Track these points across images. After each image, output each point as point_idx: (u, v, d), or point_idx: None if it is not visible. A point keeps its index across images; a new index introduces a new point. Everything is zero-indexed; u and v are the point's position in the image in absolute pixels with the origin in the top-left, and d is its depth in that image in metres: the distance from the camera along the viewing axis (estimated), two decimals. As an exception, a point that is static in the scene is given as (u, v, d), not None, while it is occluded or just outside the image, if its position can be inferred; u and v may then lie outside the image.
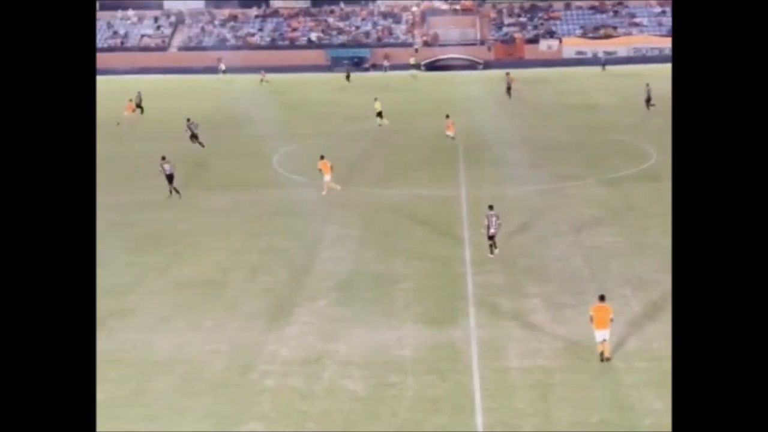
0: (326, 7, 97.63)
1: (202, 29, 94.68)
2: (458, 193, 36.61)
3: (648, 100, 56.49)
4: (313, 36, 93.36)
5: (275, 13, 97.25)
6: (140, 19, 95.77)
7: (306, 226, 32.54)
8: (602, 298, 20.92)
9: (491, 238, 28.14)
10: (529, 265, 27.30)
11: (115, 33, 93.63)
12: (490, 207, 28.63)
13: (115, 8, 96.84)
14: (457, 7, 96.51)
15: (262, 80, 73.97)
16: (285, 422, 18.31)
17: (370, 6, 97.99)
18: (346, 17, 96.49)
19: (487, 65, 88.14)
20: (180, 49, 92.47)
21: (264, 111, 56.38)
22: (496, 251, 28.21)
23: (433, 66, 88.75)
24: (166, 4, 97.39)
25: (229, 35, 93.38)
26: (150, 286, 26.70)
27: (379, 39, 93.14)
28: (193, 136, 48.57)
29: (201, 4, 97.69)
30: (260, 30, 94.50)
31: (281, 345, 22.06)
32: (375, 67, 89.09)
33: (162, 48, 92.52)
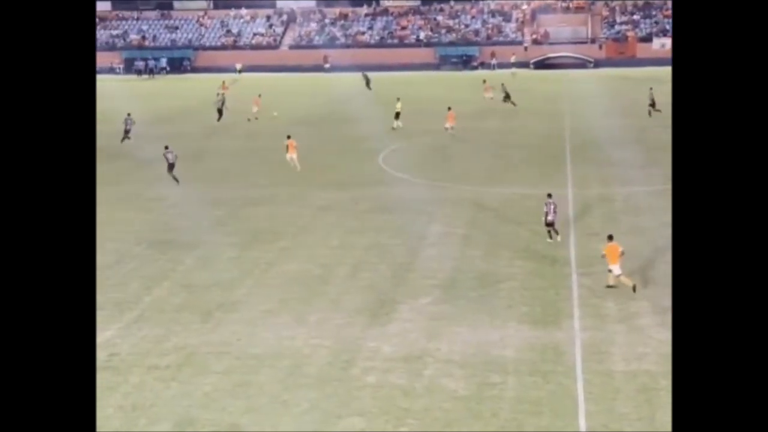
0: (436, 6, 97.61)
1: (313, 28, 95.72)
2: (565, 193, 36.14)
3: (652, 105, 55.16)
4: (422, 34, 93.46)
5: (385, 11, 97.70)
6: (253, 18, 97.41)
7: (410, 223, 32.57)
8: (611, 237, 25.07)
9: (550, 224, 29.47)
10: (637, 267, 26.76)
11: (228, 31, 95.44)
12: (549, 195, 29.85)
13: (228, 7, 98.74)
14: (569, 5, 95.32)
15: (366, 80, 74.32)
16: (385, 418, 18.35)
17: (480, 4, 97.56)
18: (455, 15, 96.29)
19: (598, 64, 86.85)
20: (291, 47, 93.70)
21: (372, 109, 56.63)
22: (558, 237, 29.49)
23: (542, 64, 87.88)
24: (279, 3, 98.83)
25: (339, 34, 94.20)
26: (256, 280, 27.11)
27: (488, 37, 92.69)
28: (126, 131, 49.51)
29: (312, 3, 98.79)
30: (370, 28, 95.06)
31: (383, 341, 22.13)
32: (483, 65, 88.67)
33: (273, 46, 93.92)
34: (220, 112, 57.65)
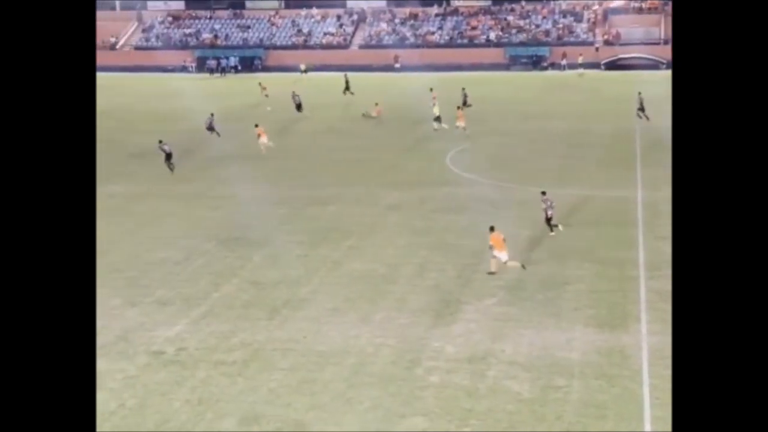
0: (507, 6, 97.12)
1: (383, 27, 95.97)
2: (634, 195, 35.73)
3: (640, 109, 54.36)
4: (492, 34, 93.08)
5: (455, 11, 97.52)
6: (323, 18, 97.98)
7: (477, 224, 32.44)
8: (492, 228, 27.21)
9: (549, 220, 30.73)
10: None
11: (299, 31, 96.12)
12: (543, 193, 31.30)
13: (299, 7, 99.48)
14: (642, 5, 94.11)
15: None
16: (448, 418, 18.36)
17: (551, 4, 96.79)
18: (526, 15, 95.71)
19: (671, 65, 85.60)
20: (360, 47, 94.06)
21: (441, 109, 56.56)
22: (559, 228, 30.86)
23: (613, 65, 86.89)
24: (349, 3, 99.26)
25: (408, 33, 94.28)
26: (322, 278, 27.31)
27: (559, 37, 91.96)
28: (210, 128, 51.60)
29: (383, 3, 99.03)
30: (440, 28, 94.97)
31: (447, 342, 22.14)
32: (553, 65, 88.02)
33: (343, 46, 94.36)
34: (299, 107, 59.42)
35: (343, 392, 19.65)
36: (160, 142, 43.53)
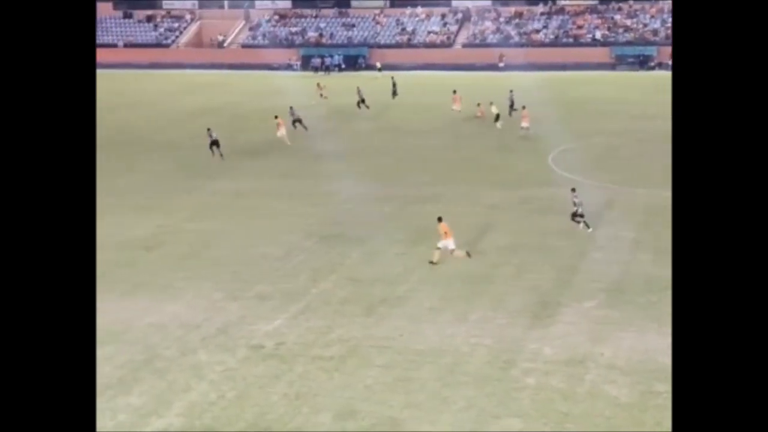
0: (614, 4, 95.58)
1: (488, 26, 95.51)
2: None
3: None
4: (598, 33, 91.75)
5: (561, 10, 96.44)
6: (428, 16, 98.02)
7: (577, 225, 32.10)
8: (440, 219, 28.66)
9: (581, 216, 31.13)
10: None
11: (403, 29, 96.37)
12: (573, 189, 32.20)
13: (404, 5, 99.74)
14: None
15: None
16: (544, 421, 18.20)
17: (660, 3, 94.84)
18: (633, 14, 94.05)
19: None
20: (464, 45, 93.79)
21: (544, 108, 56.09)
22: (585, 224, 31.12)
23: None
24: (454, 2, 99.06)
25: (513, 32, 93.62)
26: (420, 276, 27.34)
27: (667, 37, 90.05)
28: (296, 121, 52.97)
29: (488, 2, 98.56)
30: (545, 27, 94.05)
31: (544, 343, 21.93)
32: (661, 65, 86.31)
33: (447, 45, 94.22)
34: (360, 103, 59.97)
35: (438, 391, 19.65)
36: (209, 129, 46.69)
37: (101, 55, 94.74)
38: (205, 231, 32.95)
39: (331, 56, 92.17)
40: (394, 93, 66.05)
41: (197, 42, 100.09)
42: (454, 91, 59.47)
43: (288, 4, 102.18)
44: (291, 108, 54.37)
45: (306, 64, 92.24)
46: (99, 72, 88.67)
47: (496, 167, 43.04)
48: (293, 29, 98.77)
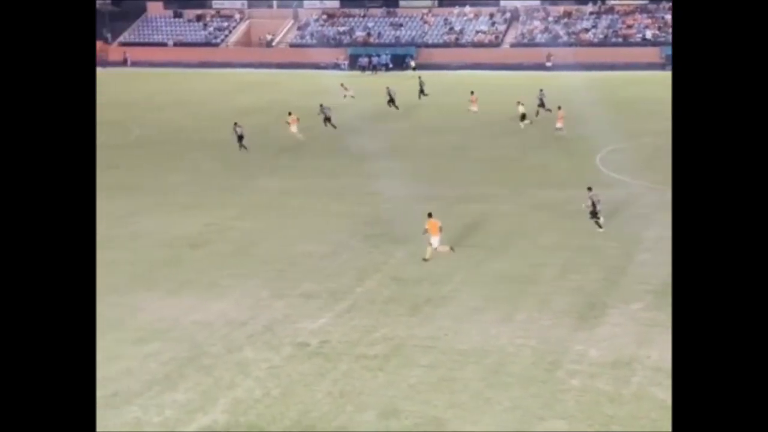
0: (664, 4, 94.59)
1: (536, 26, 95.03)
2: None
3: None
4: (648, 33, 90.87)
5: (611, 9, 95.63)
6: (476, 16, 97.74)
7: (625, 226, 31.88)
8: (430, 215, 28.92)
9: (596, 214, 31.28)
10: None
11: (451, 29, 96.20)
12: (589, 188, 31.89)
13: (453, 5, 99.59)
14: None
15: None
16: (589, 423, 18.06)
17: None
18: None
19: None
20: (512, 45, 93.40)
21: (592, 108, 55.70)
22: (600, 223, 31.28)
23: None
24: (503, 2, 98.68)
25: (561, 32, 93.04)
26: (465, 276, 27.28)
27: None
28: (327, 119, 53.34)
29: (536, 2, 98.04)
30: (594, 27, 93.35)
31: (590, 345, 21.77)
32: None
33: (495, 44, 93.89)
34: (391, 101, 60.15)
35: (482, 391, 19.59)
36: (235, 124, 48.27)
37: (152, 53, 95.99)
38: (251, 229, 33.16)
39: (378, 55, 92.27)
40: (422, 93, 65.83)
41: (246, 41, 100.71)
42: (472, 92, 59.15)
43: (336, 4, 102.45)
44: (321, 105, 54.75)
45: (353, 63, 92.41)
46: (149, 71, 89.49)
47: (541, 167, 42.79)
48: (341, 29, 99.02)
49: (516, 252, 29.40)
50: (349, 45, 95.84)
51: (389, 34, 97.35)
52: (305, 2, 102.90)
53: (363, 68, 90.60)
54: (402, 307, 24.68)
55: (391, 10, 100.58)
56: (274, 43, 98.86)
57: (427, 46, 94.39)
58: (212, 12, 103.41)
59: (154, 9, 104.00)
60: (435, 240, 28.52)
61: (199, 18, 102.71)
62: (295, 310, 24.69)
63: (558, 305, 24.47)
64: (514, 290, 25.80)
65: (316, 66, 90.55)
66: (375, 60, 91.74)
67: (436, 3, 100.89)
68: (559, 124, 50.09)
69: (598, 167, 42.29)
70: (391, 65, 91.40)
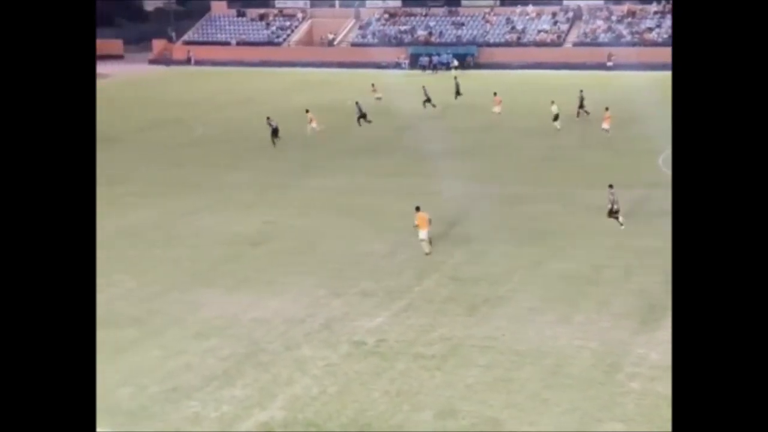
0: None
1: (599, 25, 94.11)
2: None
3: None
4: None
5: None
6: (538, 15, 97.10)
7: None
8: (418, 208, 29.67)
9: (615, 213, 31.60)
10: None
11: (513, 28, 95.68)
12: (610, 186, 31.93)
13: (515, 4, 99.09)
14: None
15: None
16: (648, 426, 17.84)
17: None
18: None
19: None
20: (575, 44, 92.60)
21: (655, 108, 54.93)
22: (620, 221, 31.55)
23: None
24: (566, 1, 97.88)
25: (625, 31, 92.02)
26: (523, 276, 27.11)
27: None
28: (362, 116, 54.06)
29: (600, 1, 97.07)
30: (658, 26, 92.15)
31: (651, 348, 21.48)
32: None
33: (557, 44, 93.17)
34: (426, 101, 60.37)
35: (540, 392, 19.46)
36: (268, 118, 49.90)
37: (215, 52, 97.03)
38: (310, 227, 33.31)
39: (439, 54, 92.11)
40: (458, 93, 65.46)
41: (308, 40, 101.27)
42: (495, 93, 58.64)
43: (398, 3, 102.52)
44: (357, 103, 55.44)
45: (414, 62, 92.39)
46: (211, 69, 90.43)
47: (605, 167, 42.29)
48: (402, 28, 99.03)
49: (575, 252, 29.13)
50: (410, 44, 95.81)
51: (450, 34, 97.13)
52: (367, 2, 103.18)
53: (424, 67, 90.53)
54: (460, 307, 24.60)
55: (453, 9, 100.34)
56: (335, 43, 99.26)
57: (488, 45, 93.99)
58: (275, 11, 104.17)
59: (218, 8, 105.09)
60: (423, 233, 29.26)
61: (261, 17, 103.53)
62: (353, 309, 24.75)
63: (618, 307, 24.20)
64: (573, 291, 25.57)
65: (377, 65, 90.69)
66: (435, 59, 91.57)
67: (498, 2, 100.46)
68: (605, 125, 49.52)
69: (660, 168, 41.71)
70: (451, 64, 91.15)
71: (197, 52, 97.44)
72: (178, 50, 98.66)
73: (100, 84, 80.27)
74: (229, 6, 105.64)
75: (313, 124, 51.50)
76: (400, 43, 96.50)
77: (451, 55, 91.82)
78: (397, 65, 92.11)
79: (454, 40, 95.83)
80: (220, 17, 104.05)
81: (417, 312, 24.37)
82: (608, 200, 31.72)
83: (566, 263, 28.13)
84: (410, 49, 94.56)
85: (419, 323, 23.53)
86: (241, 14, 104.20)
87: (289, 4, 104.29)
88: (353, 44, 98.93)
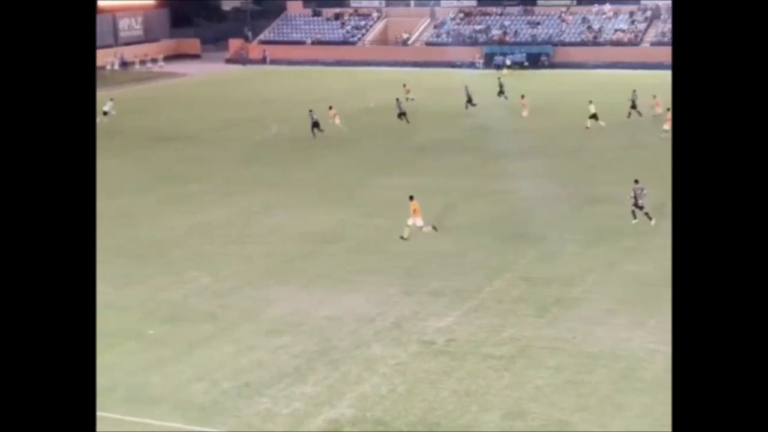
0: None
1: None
2: None
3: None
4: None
5: None
6: (615, 14, 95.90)
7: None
8: (411, 198, 31.57)
9: (641, 208, 32.01)
10: None
11: (589, 27, 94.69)
12: (636, 181, 32.30)
13: (591, 3, 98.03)
14: None
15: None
16: None
17: None
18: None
19: None
20: (652, 44, 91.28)
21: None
22: (649, 217, 31.89)
23: None
24: (643, 0, 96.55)
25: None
26: (596, 278, 26.85)
27: None
28: (402, 113, 54.88)
29: None
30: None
31: (725, 353, 21.11)
32: None
33: (634, 43, 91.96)
34: (468, 101, 60.27)
35: (611, 396, 19.27)
36: (311, 111, 52.21)
37: (290, 52, 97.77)
38: (382, 226, 33.42)
39: (513, 54, 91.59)
40: (501, 93, 64.84)
41: (383, 40, 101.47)
42: (522, 96, 57.82)
43: (473, 2, 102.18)
44: (397, 100, 56.09)
45: (489, 62, 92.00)
46: (287, 68, 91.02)
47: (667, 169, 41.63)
48: (477, 27, 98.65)
49: (649, 254, 28.75)
50: (485, 43, 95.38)
51: (526, 33, 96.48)
52: (442, 1, 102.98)
53: (498, 66, 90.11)
54: (530, 308, 24.47)
55: (529, 8, 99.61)
56: (410, 42, 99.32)
57: (563, 44, 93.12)
58: (350, 10, 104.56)
59: (294, 8, 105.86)
60: (417, 221, 30.95)
61: (337, 16, 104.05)
62: (423, 308, 24.79)
63: (692, 311, 23.82)
64: (647, 293, 25.24)
65: (451, 65, 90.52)
66: (510, 58, 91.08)
67: (574, 1, 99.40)
68: (666, 126, 48.69)
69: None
70: (526, 63, 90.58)
71: (273, 51, 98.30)
72: (254, 50, 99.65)
73: (178, 83, 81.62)
74: (305, 5, 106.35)
75: (336, 120, 52.38)
76: (474, 42, 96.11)
77: (524, 55, 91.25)
78: (472, 65, 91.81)
79: (529, 39, 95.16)
80: (295, 17, 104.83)
81: (487, 312, 24.30)
82: (633, 195, 32.16)
83: (640, 265, 27.79)
84: (485, 49, 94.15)
85: (489, 323, 23.47)
86: (316, 14, 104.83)
87: (365, 3, 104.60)
88: (427, 43, 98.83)
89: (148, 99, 62.65)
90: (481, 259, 29.02)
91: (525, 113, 56.76)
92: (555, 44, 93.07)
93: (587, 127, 51.86)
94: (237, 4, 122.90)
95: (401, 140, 50.73)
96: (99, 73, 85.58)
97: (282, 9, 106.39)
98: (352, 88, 75.81)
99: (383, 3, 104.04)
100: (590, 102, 53.03)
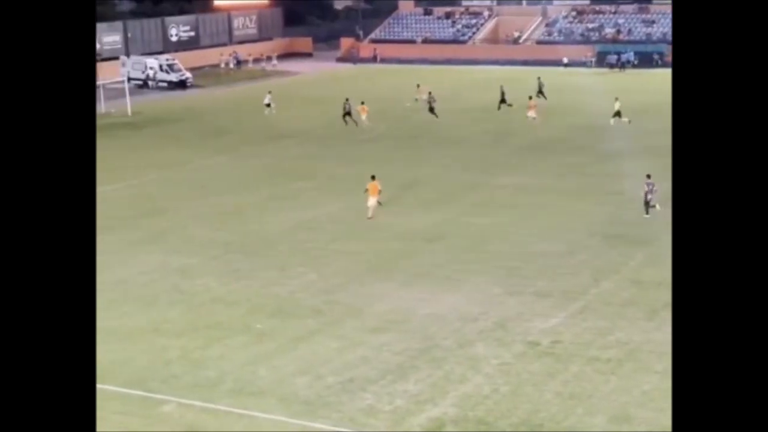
0: None
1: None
2: None
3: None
4: None
5: None
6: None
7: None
8: (373, 177, 33.78)
9: (647, 203, 32.72)
10: None
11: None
12: (648, 176, 33.06)
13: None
14: None
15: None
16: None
17: None
18: None
19: None
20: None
21: None
22: (657, 209, 32.26)
23: None
24: None
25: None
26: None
27: None
28: (431, 109, 56.66)
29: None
30: None
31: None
32: None
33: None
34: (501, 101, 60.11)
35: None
36: (347, 100, 55.38)
37: (400, 50, 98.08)
38: (487, 225, 33.25)
39: (626, 52, 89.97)
40: (540, 93, 63.47)
41: (493, 38, 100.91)
42: (530, 98, 56.64)
43: (586, 1, 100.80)
44: (430, 93, 57.84)
45: (601, 60, 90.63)
46: (396, 67, 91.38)
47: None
48: (590, 25, 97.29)
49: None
50: (597, 42, 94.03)
51: (640, 31, 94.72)
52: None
53: (611, 65, 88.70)
54: (639, 311, 24.02)
55: (644, 6, 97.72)
56: (521, 41, 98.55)
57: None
58: (461, 9, 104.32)
59: (405, 6, 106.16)
60: (372, 200, 33.44)
61: (448, 15, 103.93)
62: (528, 308, 24.57)
63: None
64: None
65: (563, 63, 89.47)
66: (623, 57, 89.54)
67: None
68: (530, 113, 48.34)
69: None
70: (637, 62, 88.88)
71: (383, 50, 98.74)
72: (365, 48, 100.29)
73: (291, 81, 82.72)
74: (416, 4, 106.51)
75: (363, 116, 54.62)
76: (587, 40, 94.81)
77: (632, 53, 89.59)
78: (583, 63, 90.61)
79: (644, 38, 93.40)
80: (406, 15, 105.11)
81: (594, 314, 23.95)
82: (645, 190, 32.88)
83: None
84: (597, 47, 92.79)
85: (596, 326, 23.12)
86: (427, 12, 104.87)
87: (476, 2, 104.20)
88: (539, 42, 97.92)
89: (261, 98, 63.68)
90: (588, 260, 28.62)
91: (531, 113, 55.05)
92: (669, 43, 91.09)
93: (611, 124, 51.86)
94: (349, 2, 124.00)
95: (505, 140, 50.37)
96: (214, 72, 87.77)
97: (393, 8, 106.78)
98: (463, 86, 75.59)
99: (494, 2, 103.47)
100: (616, 99, 52.27)
